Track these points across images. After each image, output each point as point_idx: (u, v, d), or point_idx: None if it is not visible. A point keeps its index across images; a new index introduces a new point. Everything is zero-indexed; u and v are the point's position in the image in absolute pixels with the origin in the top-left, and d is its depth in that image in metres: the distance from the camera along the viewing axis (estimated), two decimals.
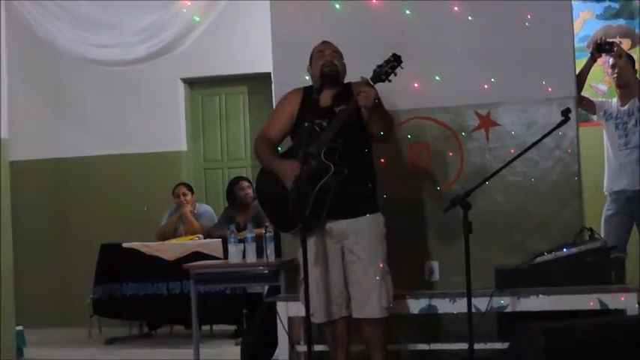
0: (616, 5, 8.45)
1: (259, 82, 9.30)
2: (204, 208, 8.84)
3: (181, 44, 7.53)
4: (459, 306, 5.58)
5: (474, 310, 5.25)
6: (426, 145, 6.56)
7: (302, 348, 5.81)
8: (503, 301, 5.63)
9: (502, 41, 6.44)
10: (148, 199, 9.18)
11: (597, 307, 5.48)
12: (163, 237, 8.47)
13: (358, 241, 5.30)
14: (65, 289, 9.37)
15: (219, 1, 7.30)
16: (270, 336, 6.03)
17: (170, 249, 7.94)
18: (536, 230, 6.30)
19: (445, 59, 6.50)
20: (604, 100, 7.40)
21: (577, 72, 6.53)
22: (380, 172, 5.61)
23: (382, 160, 5.78)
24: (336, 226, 5.31)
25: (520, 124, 6.46)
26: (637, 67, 7.25)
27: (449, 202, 5.27)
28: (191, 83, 9.88)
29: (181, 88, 9.80)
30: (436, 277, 6.48)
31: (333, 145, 5.17)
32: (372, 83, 5.08)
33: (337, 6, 6.66)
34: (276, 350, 6.04)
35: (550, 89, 6.35)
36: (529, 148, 5.64)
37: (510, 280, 5.75)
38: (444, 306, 5.78)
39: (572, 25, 6.60)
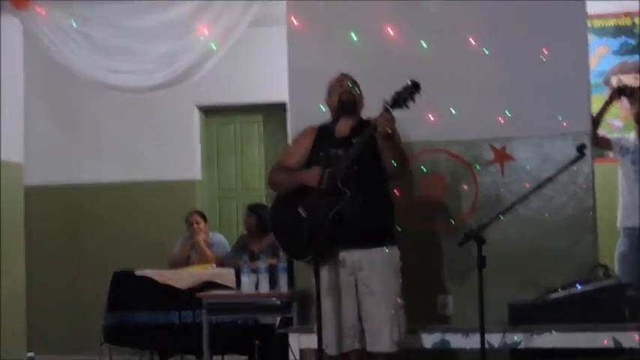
0: (632, 41, 8.45)
1: (274, 111, 9.32)
2: (217, 237, 8.82)
3: (198, 72, 7.55)
4: (472, 341, 5.53)
5: (486, 345, 5.22)
6: (440, 178, 6.55)
7: None
8: (517, 338, 5.59)
9: (518, 75, 6.44)
10: (161, 227, 9.19)
11: (611, 345, 5.44)
12: (175, 265, 8.45)
13: (372, 273, 5.28)
14: (77, 316, 9.36)
15: (236, 30, 7.32)
16: None
17: (183, 278, 7.91)
18: (550, 266, 6.27)
19: (461, 92, 6.51)
20: (620, 136, 7.37)
21: (595, 113, 6.53)
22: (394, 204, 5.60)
23: (396, 192, 5.76)
24: (349, 256, 5.30)
25: (535, 158, 6.45)
26: None
27: (463, 236, 5.26)
28: (206, 111, 9.90)
29: (197, 115, 9.82)
30: (449, 311, 6.45)
31: (349, 172, 5.17)
32: (391, 109, 5.07)
33: (354, 37, 6.67)
34: None
35: (565, 124, 6.34)
36: (544, 183, 5.64)
37: (524, 316, 5.72)
38: (456, 341, 5.75)
39: (588, 60, 6.61)
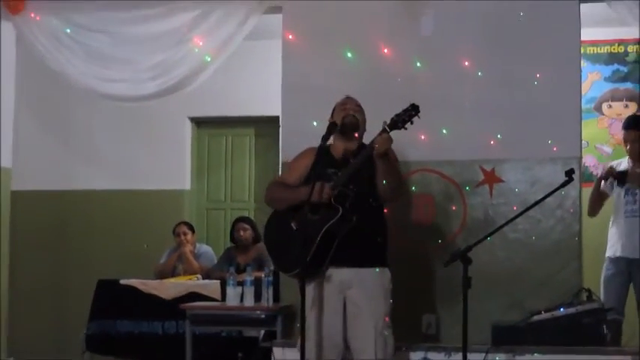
0: (624, 69, 8.49)
1: (267, 125, 9.32)
2: (204, 248, 8.81)
3: (191, 83, 7.53)
4: None
5: None
6: (430, 198, 6.57)
7: None
8: (499, 358, 5.62)
9: (510, 98, 6.48)
10: (148, 236, 9.16)
11: None
12: (161, 275, 8.43)
13: (362, 292, 5.27)
14: (60, 323, 9.31)
15: (231, 43, 7.32)
16: None
17: (168, 288, 7.89)
18: (534, 288, 6.30)
19: (453, 113, 6.54)
20: (614, 162, 7.32)
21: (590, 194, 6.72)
22: None
23: (385, 211, 5.78)
24: (339, 274, 5.28)
25: (524, 181, 6.48)
26: None
27: (450, 256, 5.28)
28: (198, 122, 9.89)
29: (188, 126, 9.81)
30: (433, 330, 6.46)
31: (344, 191, 5.18)
32: (389, 130, 5.10)
33: (349, 54, 6.70)
34: None
35: (555, 149, 6.38)
36: (532, 206, 5.64)
37: (507, 337, 5.74)
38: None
39: (581, 86, 6.65)
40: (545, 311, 5.83)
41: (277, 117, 7.46)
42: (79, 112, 9.45)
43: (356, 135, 5.45)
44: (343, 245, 5.18)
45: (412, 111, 5.12)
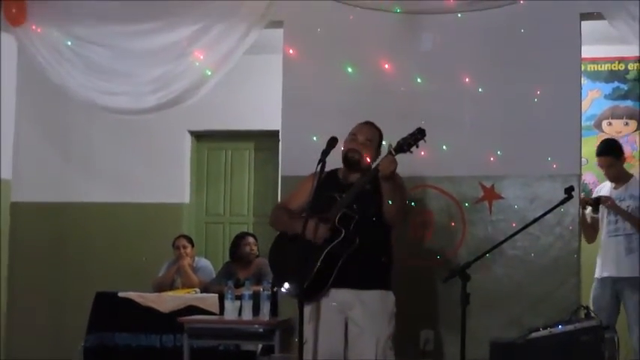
0: (624, 87, 8.51)
1: (267, 139, 9.32)
2: (203, 262, 8.80)
3: (191, 97, 7.53)
4: None
5: None
6: (429, 214, 6.58)
7: None
8: None
9: (511, 115, 6.50)
10: (147, 249, 9.15)
11: None
12: (160, 288, 8.42)
13: (364, 312, 5.22)
14: (58, 336, 9.28)
15: (232, 57, 7.33)
16: None
17: (166, 301, 7.88)
18: (533, 305, 6.30)
19: (453, 129, 6.55)
20: (599, 187, 7.33)
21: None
22: None
23: (385, 214, 5.77)
24: (340, 295, 5.24)
25: (523, 198, 6.49)
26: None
27: (448, 272, 5.27)
28: (198, 136, 9.89)
29: (188, 140, 9.81)
30: (431, 346, 6.45)
31: (348, 213, 5.16)
32: (394, 153, 5.05)
33: (349, 70, 6.71)
34: None
35: (555, 166, 6.39)
36: (531, 223, 5.64)
37: (505, 354, 5.72)
38: None
39: (581, 103, 6.66)
40: (544, 328, 5.81)
41: (277, 131, 7.47)
42: (80, 124, 9.45)
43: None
44: (345, 266, 5.15)
45: (418, 135, 5.07)
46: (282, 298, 6.53)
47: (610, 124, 8.51)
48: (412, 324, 6.36)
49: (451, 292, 5.56)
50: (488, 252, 5.60)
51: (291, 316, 6.09)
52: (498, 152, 6.48)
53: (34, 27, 7.62)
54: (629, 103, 8.50)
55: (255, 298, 6.68)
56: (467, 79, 6.55)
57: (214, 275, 8.58)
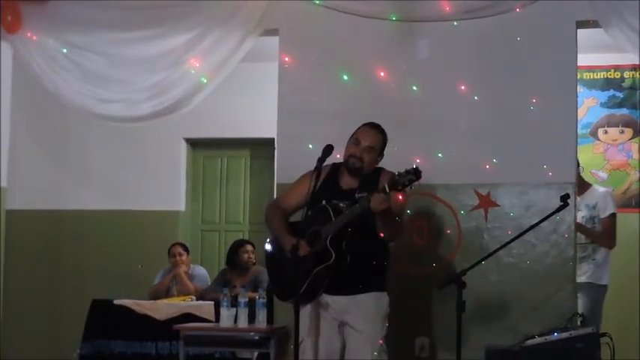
0: (620, 95, 8.52)
1: (262, 147, 9.32)
2: (198, 270, 8.80)
3: (187, 104, 7.51)
4: None
5: None
6: (425, 222, 6.57)
7: None
8: None
9: (506, 123, 6.50)
10: (143, 256, 9.15)
11: None
12: (155, 296, 8.41)
13: (359, 315, 5.22)
14: (53, 343, 9.27)
15: (227, 65, 7.32)
16: None
17: (161, 308, 7.87)
18: (528, 312, 6.30)
19: (449, 137, 6.55)
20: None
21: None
22: None
23: (380, 235, 5.78)
24: (335, 302, 5.25)
25: (519, 206, 6.49)
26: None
27: (444, 280, 5.28)
28: (194, 143, 9.89)
29: (184, 147, 9.80)
30: (426, 353, 6.45)
31: (340, 233, 5.15)
32: (388, 191, 4.95)
33: (345, 77, 6.71)
34: None
35: (550, 174, 6.39)
36: (527, 230, 5.65)
37: None
38: None
39: (577, 112, 6.66)
40: (539, 335, 5.81)
41: (273, 139, 7.46)
42: (75, 132, 9.45)
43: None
44: (339, 274, 5.13)
45: (413, 175, 4.90)
46: (277, 305, 6.51)
47: (606, 132, 8.52)
48: (407, 331, 6.36)
49: (447, 299, 5.56)
50: (483, 259, 5.61)
51: (286, 324, 6.07)
52: (494, 160, 6.49)
53: (29, 35, 7.61)
54: (624, 111, 8.51)
55: (251, 305, 6.67)
56: (463, 87, 6.56)
57: (210, 283, 8.57)
